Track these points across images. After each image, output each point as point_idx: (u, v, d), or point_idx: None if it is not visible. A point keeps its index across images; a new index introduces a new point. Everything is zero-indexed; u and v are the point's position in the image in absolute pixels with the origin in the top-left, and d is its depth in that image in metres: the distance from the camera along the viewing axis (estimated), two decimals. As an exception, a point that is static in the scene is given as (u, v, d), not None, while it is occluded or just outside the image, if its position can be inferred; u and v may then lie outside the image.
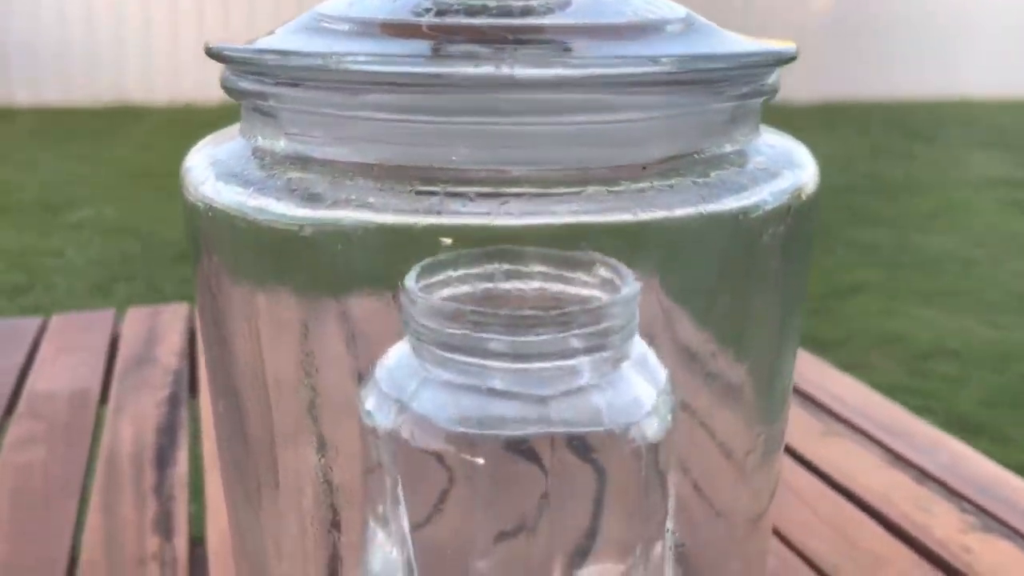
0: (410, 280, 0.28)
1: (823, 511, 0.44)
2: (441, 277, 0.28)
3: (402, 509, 0.28)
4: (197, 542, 0.42)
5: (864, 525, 0.43)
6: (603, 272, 0.29)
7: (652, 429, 0.27)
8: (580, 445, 0.27)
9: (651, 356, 0.29)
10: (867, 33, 3.83)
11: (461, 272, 0.28)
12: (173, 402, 0.54)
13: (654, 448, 0.27)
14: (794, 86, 3.68)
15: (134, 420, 0.52)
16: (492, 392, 0.27)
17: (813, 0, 3.80)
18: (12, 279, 1.88)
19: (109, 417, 0.53)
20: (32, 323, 0.65)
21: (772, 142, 0.26)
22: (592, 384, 0.27)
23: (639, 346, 0.29)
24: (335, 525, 0.27)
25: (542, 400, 0.26)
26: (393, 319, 0.25)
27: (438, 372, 0.27)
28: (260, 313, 0.24)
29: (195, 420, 0.53)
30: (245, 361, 0.24)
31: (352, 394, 0.26)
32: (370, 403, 0.28)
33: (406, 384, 0.28)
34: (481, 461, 0.26)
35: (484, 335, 0.26)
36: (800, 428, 0.52)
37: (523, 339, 0.26)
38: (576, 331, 0.26)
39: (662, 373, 0.29)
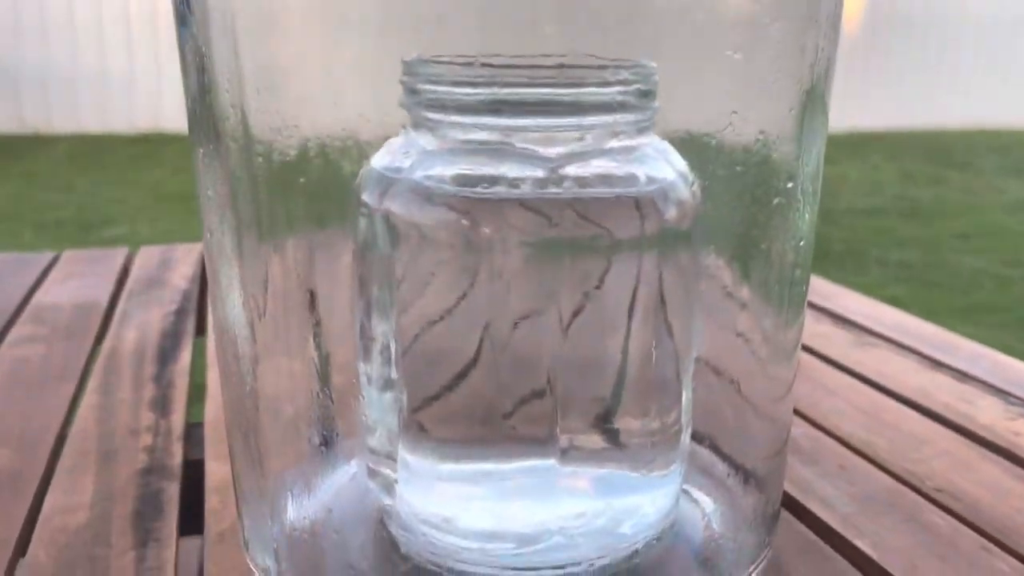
0: (412, 56, 0.26)
1: (859, 402, 0.41)
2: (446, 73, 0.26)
3: (397, 296, 0.26)
4: (195, 425, 0.40)
5: (902, 413, 0.40)
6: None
7: (669, 209, 0.25)
8: (591, 210, 0.25)
9: (672, 150, 0.27)
10: (897, 63, 3.81)
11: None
12: (180, 314, 0.53)
13: (666, 226, 0.25)
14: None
15: (140, 328, 0.51)
16: (496, 152, 0.25)
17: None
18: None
19: (114, 324, 0.51)
20: (43, 256, 0.65)
21: None
22: (607, 149, 0.25)
23: (660, 142, 0.27)
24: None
25: (552, 160, 0.24)
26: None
27: (441, 136, 0.25)
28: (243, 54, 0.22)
29: (201, 352, 0.52)
30: (229, 94, 0.23)
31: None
32: (366, 193, 0.26)
33: (403, 161, 0.26)
34: (487, 229, 0.24)
35: (493, 89, 0.24)
36: (834, 341, 0.49)
37: (536, 91, 0.24)
38: (591, 89, 0.25)
39: (682, 162, 0.27)
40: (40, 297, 0.55)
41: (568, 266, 0.25)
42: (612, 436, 0.27)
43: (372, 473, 0.28)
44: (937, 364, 0.46)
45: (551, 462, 0.26)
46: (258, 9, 0.23)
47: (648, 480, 0.28)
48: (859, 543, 0.30)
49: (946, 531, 0.31)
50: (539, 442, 0.26)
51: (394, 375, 0.27)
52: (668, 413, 0.27)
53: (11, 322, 0.51)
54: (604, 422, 0.27)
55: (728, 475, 0.30)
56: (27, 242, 2.23)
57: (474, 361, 0.26)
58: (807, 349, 0.47)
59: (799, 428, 0.39)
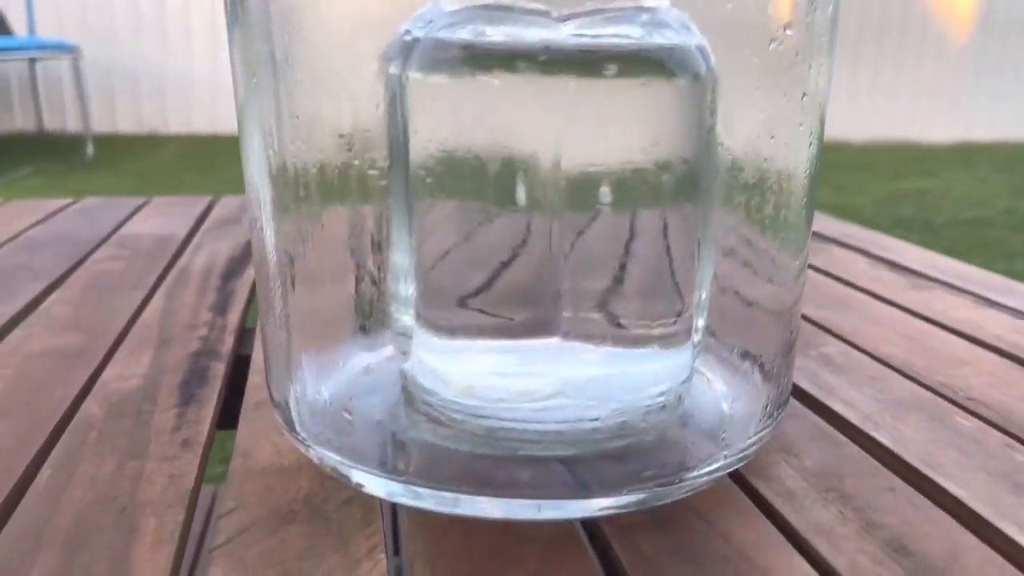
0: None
1: (903, 330, 0.41)
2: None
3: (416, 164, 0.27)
4: (249, 330, 0.43)
5: (948, 339, 0.40)
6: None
7: (684, 75, 0.26)
8: (607, 65, 0.25)
9: (690, 23, 0.28)
10: (1008, 73, 3.65)
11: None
12: (251, 245, 0.56)
13: (679, 92, 0.26)
14: (930, 126, 3.54)
15: (211, 253, 0.54)
16: (513, 11, 0.26)
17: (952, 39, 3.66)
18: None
19: (188, 250, 0.54)
20: (134, 200, 0.69)
21: None
22: (623, 11, 0.26)
23: (679, 12, 0.28)
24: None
25: (566, 18, 0.25)
26: None
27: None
28: None
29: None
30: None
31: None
32: (390, 61, 0.28)
33: (422, 24, 0.27)
34: (496, 81, 0.25)
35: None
36: (887, 284, 0.48)
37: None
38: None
39: (699, 36, 0.27)
40: (126, 229, 0.59)
41: (577, 126, 0.26)
42: (615, 323, 0.28)
43: (393, 338, 0.30)
44: (993, 303, 0.44)
45: (555, 339, 0.27)
46: None
47: (654, 355, 0.28)
48: (875, 434, 0.30)
49: (970, 430, 0.31)
50: (543, 326, 0.27)
51: (410, 254, 0.28)
52: (677, 302, 0.28)
53: (97, 246, 0.55)
54: (608, 311, 0.28)
55: (736, 357, 0.30)
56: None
57: (486, 241, 0.27)
58: (859, 289, 0.47)
59: (835, 347, 0.38)
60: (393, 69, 0.27)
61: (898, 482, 0.27)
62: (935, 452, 0.29)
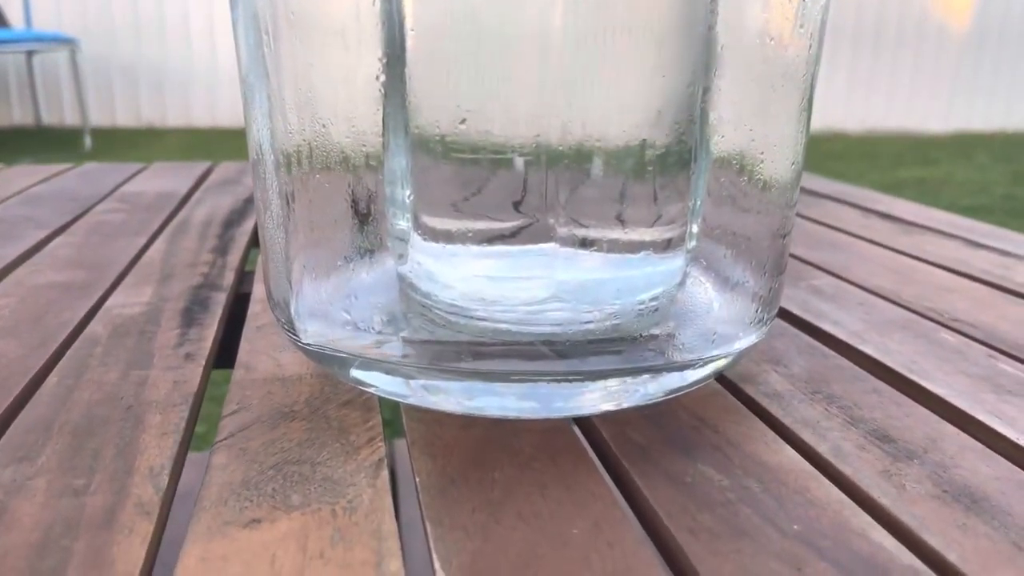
0: None
1: (892, 266, 0.41)
2: None
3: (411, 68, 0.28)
4: (249, 272, 0.43)
5: (935, 272, 0.40)
6: None
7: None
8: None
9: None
10: (1007, 64, 3.66)
11: None
12: (252, 200, 0.56)
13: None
14: (929, 116, 3.55)
15: (212, 207, 0.54)
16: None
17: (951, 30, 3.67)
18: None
19: (190, 204, 0.55)
20: (135, 165, 0.70)
21: None
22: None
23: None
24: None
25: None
26: None
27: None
28: None
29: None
30: None
31: None
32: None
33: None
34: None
35: None
36: (879, 230, 0.49)
37: None
38: None
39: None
40: (127, 188, 0.60)
41: (577, 20, 0.26)
42: (611, 229, 0.29)
43: (390, 241, 0.30)
44: (981, 245, 0.45)
45: (551, 245, 0.28)
46: None
47: (649, 259, 0.29)
48: (862, 347, 0.31)
49: (954, 344, 0.31)
50: (539, 231, 0.28)
51: (406, 157, 0.29)
52: (671, 208, 0.28)
53: (99, 201, 0.56)
54: (604, 217, 0.28)
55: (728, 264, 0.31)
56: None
57: (483, 144, 0.27)
58: (850, 234, 0.48)
59: (825, 280, 0.39)
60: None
61: (882, 385, 0.28)
62: (919, 361, 0.30)
